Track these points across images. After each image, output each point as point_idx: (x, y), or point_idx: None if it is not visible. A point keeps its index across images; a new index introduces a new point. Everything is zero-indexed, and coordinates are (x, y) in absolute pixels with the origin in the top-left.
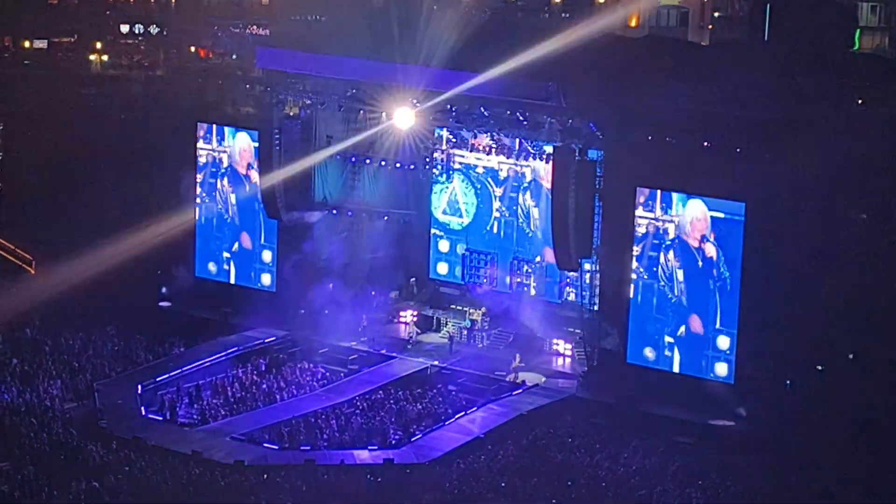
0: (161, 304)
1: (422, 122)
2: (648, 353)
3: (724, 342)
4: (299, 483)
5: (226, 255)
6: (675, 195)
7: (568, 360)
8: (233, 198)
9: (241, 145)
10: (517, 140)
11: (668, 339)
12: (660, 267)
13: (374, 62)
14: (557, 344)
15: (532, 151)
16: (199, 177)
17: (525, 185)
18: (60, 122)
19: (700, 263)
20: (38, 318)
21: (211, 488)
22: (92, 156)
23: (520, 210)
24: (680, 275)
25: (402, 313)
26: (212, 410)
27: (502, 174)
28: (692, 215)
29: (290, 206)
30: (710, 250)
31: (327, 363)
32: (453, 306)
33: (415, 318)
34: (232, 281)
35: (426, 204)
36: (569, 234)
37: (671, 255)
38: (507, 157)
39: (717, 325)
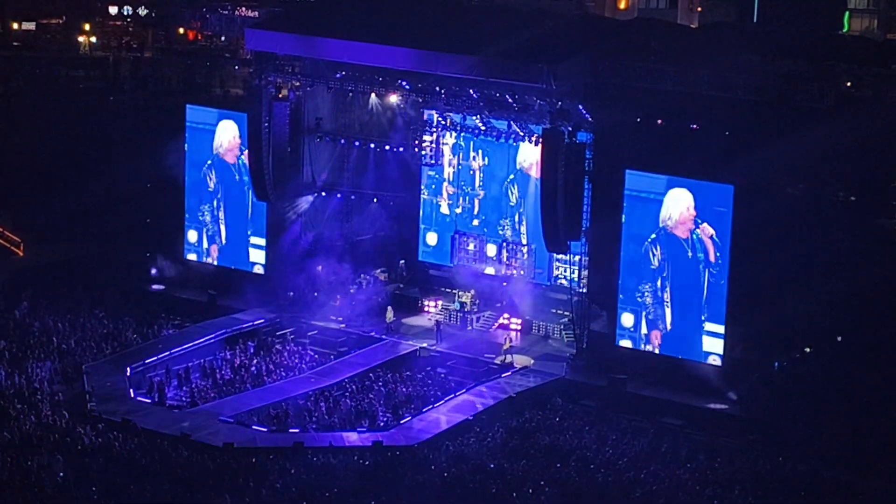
0: (153, 287)
1: (411, 105)
2: (633, 332)
3: (712, 325)
4: (288, 465)
5: (215, 236)
6: (662, 181)
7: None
8: (214, 180)
9: (228, 136)
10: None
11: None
12: (648, 255)
13: (363, 44)
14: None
15: (521, 134)
16: (188, 159)
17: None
18: (49, 104)
19: (690, 254)
20: (27, 300)
21: (200, 471)
22: (80, 137)
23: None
24: (665, 265)
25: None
26: (201, 393)
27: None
28: (679, 209)
29: (279, 188)
30: (702, 238)
31: (316, 346)
32: (443, 289)
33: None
34: (221, 263)
35: (416, 187)
36: (558, 217)
37: (657, 248)
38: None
39: (705, 308)
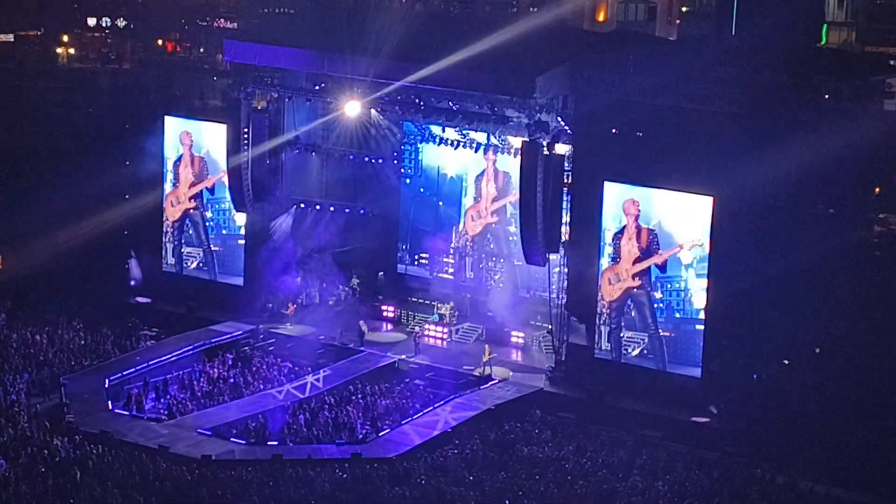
0: (138, 299)
1: (390, 116)
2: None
3: (689, 336)
4: (266, 478)
5: (194, 248)
6: (637, 189)
7: (520, 352)
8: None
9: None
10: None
11: (629, 332)
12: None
13: (342, 55)
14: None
15: (500, 146)
16: (164, 161)
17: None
18: (27, 115)
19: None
20: (5, 312)
21: (178, 483)
22: (59, 149)
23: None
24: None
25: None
26: (179, 405)
27: None
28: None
29: (257, 200)
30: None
31: (294, 357)
32: (421, 300)
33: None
34: (199, 275)
35: (395, 198)
36: (537, 229)
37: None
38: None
39: (682, 319)
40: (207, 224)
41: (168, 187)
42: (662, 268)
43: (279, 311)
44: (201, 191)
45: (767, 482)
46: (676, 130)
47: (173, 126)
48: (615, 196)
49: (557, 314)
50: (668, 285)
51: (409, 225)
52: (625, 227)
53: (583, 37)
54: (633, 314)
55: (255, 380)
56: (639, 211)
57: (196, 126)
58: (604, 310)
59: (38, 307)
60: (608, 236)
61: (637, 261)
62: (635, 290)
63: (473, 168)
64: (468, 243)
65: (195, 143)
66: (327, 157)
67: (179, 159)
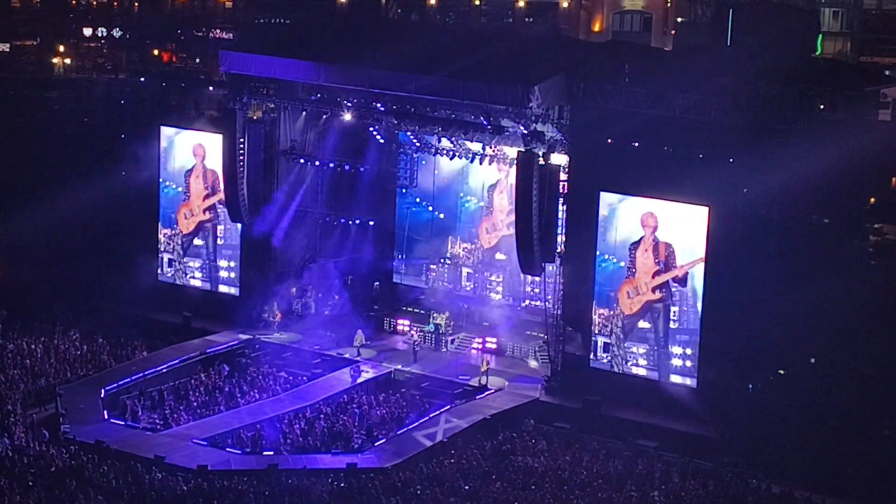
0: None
1: (386, 126)
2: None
3: (685, 346)
4: (262, 487)
5: (195, 259)
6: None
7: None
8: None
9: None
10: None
11: (629, 343)
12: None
13: (337, 66)
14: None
15: (495, 155)
16: (161, 172)
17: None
18: (23, 125)
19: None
20: (0, 322)
21: (173, 493)
22: (54, 158)
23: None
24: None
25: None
26: (174, 415)
27: None
28: (652, 220)
29: (253, 210)
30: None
31: (290, 367)
32: (417, 310)
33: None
34: (197, 285)
35: (391, 208)
36: (532, 239)
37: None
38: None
39: (678, 330)
40: (218, 235)
41: (169, 195)
42: (682, 281)
43: (272, 320)
44: (215, 203)
45: (763, 492)
46: (672, 140)
47: (170, 137)
48: (629, 208)
49: (553, 324)
50: None
51: (404, 234)
52: (641, 239)
53: (579, 47)
54: (647, 326)
55: (251, 389)
56: (657, 224)
57: (204, 138)
58: (621, 322)
59: (34, 317)
60: (623, 248)
61: (657, 274)
62: (655, 303)
63: (472, 178)
64: (480, 254)
65: (207, 155)
66: (323, 167)
67: (191, 170)
